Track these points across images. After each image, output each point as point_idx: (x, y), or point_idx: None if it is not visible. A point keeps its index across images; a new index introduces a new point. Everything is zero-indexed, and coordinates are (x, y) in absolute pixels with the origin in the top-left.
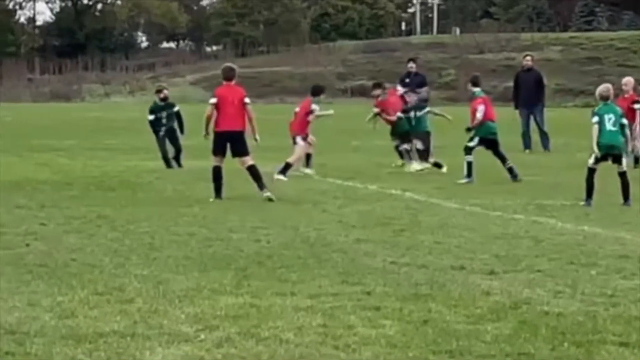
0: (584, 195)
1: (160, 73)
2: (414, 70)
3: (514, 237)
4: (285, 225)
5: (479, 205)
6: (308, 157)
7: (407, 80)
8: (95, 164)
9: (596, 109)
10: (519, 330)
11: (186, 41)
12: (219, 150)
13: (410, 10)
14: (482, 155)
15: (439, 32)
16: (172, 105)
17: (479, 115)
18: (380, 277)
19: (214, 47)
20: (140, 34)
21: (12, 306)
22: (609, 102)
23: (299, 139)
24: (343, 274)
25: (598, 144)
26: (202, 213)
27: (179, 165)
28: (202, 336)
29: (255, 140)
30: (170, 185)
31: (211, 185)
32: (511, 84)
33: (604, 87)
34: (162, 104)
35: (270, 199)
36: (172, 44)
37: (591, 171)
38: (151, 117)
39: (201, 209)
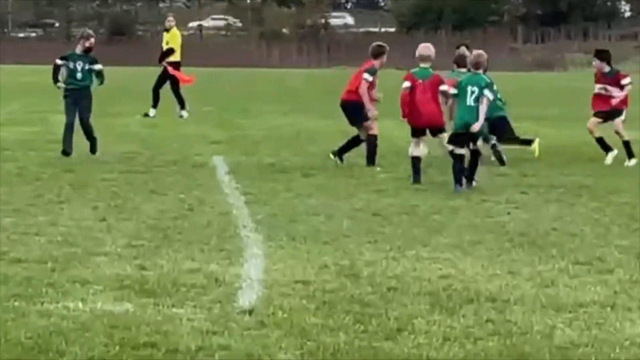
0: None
1: None
2: None
3: None
4: None
5: None
6: None
7: None
8: (577, 134)
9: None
10: None
11: None
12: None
13: None
14: None
15: None
16: (93, 61)
17: None
18: None
19: None
20: (623, 3)
21: (493, 274)
22: (479, 71)
23: None
24: None
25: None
26: None
27: (92, 150)
28: None
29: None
30: None
31: None
32: None
33: (476, 53)
34: (80, 54)
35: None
36: None
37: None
38: (59, 61)
39: None
